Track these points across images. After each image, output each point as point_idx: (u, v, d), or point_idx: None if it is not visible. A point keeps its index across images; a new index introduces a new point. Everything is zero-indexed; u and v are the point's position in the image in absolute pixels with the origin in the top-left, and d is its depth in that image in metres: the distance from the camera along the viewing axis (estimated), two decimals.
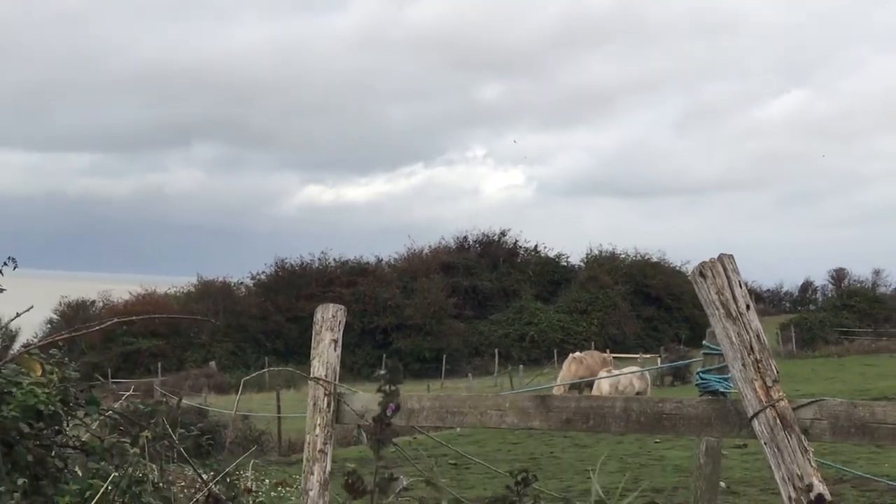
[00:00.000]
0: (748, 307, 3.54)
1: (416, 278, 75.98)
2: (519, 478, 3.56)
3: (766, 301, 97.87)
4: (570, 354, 31.80)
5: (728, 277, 3.55)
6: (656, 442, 20.16)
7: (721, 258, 3.59)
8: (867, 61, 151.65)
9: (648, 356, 52.91)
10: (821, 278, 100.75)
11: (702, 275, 3.58)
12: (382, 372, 3.96)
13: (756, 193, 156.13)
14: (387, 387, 3.88)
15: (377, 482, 3.59)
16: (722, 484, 13.62)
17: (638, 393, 27.09)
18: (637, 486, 15.21)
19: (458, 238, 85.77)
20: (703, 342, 4.48)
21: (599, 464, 17.84)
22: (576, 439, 21.44)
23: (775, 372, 3.49)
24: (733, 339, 3.51)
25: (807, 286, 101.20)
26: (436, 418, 4.44)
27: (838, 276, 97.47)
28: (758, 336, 3.51)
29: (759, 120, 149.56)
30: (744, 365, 3.48)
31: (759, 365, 3.47)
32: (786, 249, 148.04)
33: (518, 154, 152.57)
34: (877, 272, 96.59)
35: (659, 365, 39.61)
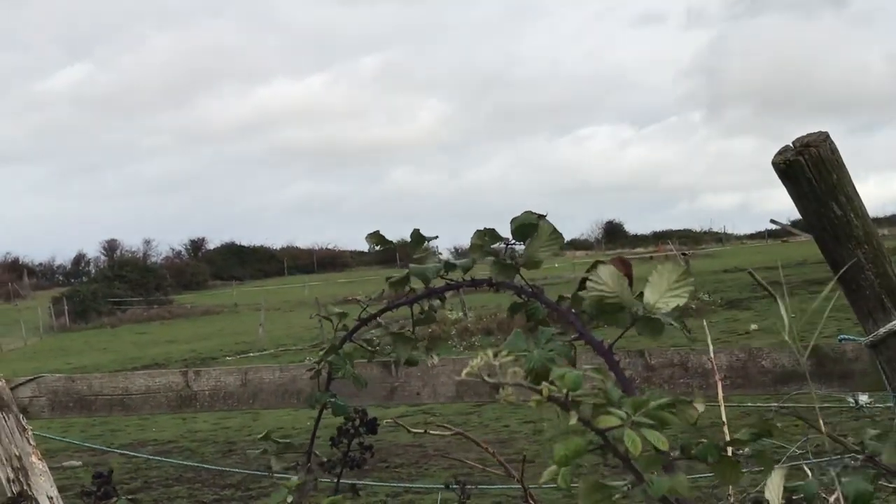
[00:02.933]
0: None
1: None
2: None
3: (39, 275, 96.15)
4: None
5: None
6: None
7: None
8: (147, 38, 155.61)
9: None
10: (94, 250, 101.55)
11: None
12: None
13: (35, 167, 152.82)
14: None
15: None
16: None
17: None
18: None
19: None
20: None
21: None
22: None
23: None
24: None
25: (80, 258, 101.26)
26: None
27: (111, 246, 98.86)
28: None
29: (40, 93, 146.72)
30: None
31: None
32: (64, 223, 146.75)
33: None
34: (148, 242, 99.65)
35: None
